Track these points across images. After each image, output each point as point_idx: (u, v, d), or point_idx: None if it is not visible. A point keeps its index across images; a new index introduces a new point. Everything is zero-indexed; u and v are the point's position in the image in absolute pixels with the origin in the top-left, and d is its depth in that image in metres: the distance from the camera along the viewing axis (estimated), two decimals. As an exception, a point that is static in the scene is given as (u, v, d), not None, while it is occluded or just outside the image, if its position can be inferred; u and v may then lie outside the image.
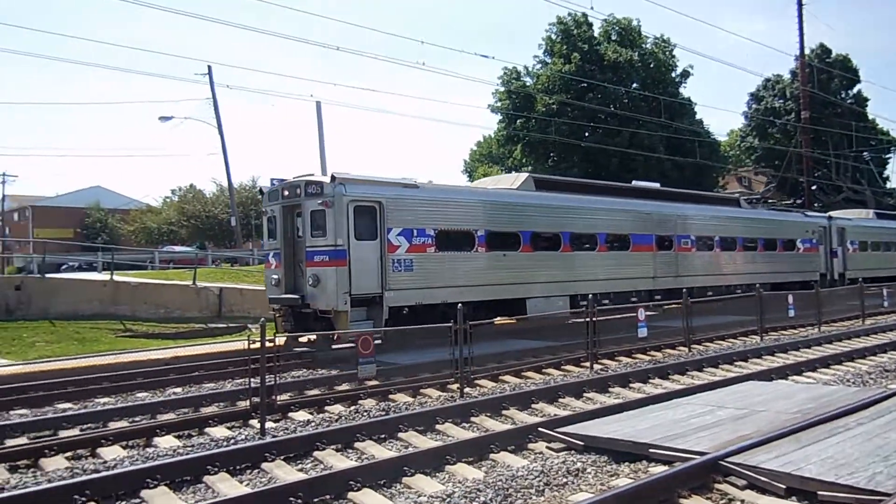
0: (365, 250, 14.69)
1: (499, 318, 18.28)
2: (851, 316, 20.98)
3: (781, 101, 50.05)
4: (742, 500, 5.99)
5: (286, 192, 15.61)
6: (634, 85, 41.07)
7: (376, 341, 11.64)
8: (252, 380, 9.28)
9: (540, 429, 8.23)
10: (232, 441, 8.51)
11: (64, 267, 33.59)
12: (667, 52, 42.60)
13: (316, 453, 7.85)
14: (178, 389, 12.16)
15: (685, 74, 43.24)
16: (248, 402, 9.46)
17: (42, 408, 10.86)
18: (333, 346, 15.21)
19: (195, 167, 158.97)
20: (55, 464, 7.77)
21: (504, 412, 9.73)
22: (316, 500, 6.39)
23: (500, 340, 16.38)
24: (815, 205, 42.64)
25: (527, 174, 20.04)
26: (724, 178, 50.52)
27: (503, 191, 18.65)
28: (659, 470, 6.65)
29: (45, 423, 9.42)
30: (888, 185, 53.55)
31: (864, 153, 48.99)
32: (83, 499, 6.35)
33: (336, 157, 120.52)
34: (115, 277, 23.71)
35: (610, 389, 11.31)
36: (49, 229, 62.87)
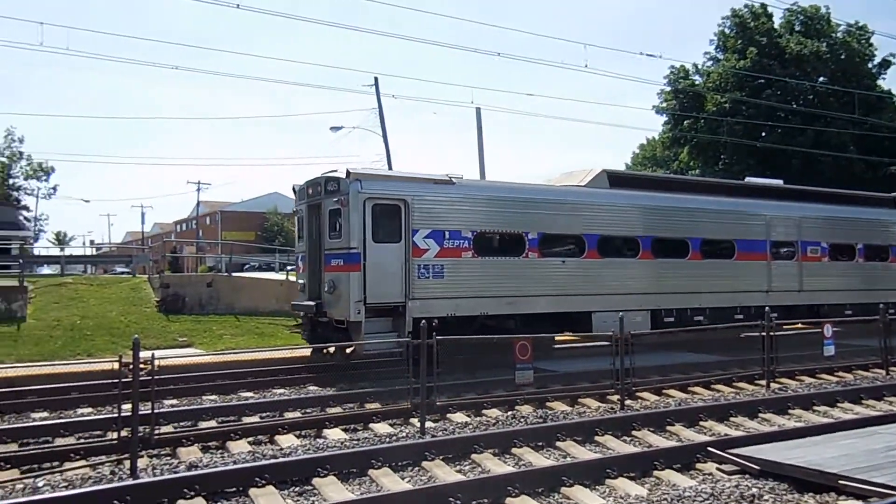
0: (385, 254, 13.21)
1: (563, 335, 15.96)
2: None
3: None
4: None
5: (310, 191, 14.50)
6: (822, 79, 37.45)
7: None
8: (413, 380, 9.55)
9: (710, 448, 7.70)
10: (394, 438, 8.81)
11: (246, 267, 36.77)
12: (862, 41, 38.40)
13: (474, 456, 7.90)
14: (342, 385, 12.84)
15: (885, 64, 38.71)
16: (408, 402, 9.75)
17: (228, 395, 11.95)
18: (352, 361, 13.99)
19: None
20: (239, 447, 8.51)
21: (668, 428, 9.22)
22: (474, 502, 6.42)
23: (663, 353, 15.60)
24: None
25: (601, 169, 16.86)
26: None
27: (563, 188, 16.30)
28: (851, 504, 5.96)
29: (231, 409, 10.33)
30: None
31: None
32: (262, 481, 6.87)
33: (495, 161, 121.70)
34: (290, 277, 25.55)
35: (790, 411, 10.33)
36: (235, 232, 69.40)
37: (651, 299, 16.00)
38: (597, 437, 8.70)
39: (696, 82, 40.24)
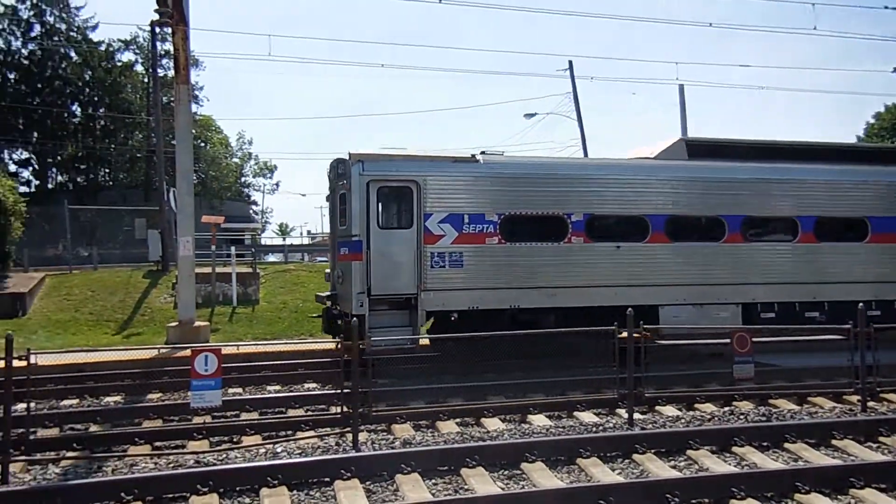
0: (393, 241, 12.28)
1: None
2: None
3: None
4: None
5: (331, 174, 13.66)
6: None
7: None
8: (620, 370, 9.21)
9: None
10: (601, 428, 8.56)
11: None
12: None
13: (689, 452, 7.43)
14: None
15: None
16: (614, 392, 9.43)
17: (429, 377, 12.29)
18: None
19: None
20: (448, 427, 8.79)
21: (926, 436, 7.98)
22: (693, 501, 6.02)
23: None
24: None
25: (679, 137, 14.39)
26: None
27: (618, 161, 14.21)
28: None
29: (437, 391, 10.69)
30: None
31: None
32: (472, 462, 7.01)
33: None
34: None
35: None
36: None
37: (742, 291, 13.64)
38: (834, 441, 7.77)
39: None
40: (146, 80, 42.13)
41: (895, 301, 14.12)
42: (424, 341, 12.68)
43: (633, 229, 13.40)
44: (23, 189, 33.12)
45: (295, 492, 6.48)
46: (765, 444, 7.70)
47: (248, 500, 6.38)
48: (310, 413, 9.47)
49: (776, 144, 15.27)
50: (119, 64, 44.11)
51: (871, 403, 9.45)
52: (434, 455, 7.13)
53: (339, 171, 12.90)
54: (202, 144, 44.79)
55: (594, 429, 8.51)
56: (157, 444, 8.27)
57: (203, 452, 7.75)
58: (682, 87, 28.37)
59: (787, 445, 7.67)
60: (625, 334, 9.00)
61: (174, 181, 19.23)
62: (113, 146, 43.27)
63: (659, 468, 6.99)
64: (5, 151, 42.15)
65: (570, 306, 12.78)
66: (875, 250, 14.35)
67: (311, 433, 8.47)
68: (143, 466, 7.37)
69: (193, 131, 17.96)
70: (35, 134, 41.55)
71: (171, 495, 6.40)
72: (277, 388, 11.69)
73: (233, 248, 23.23)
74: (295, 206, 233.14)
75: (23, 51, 41.25)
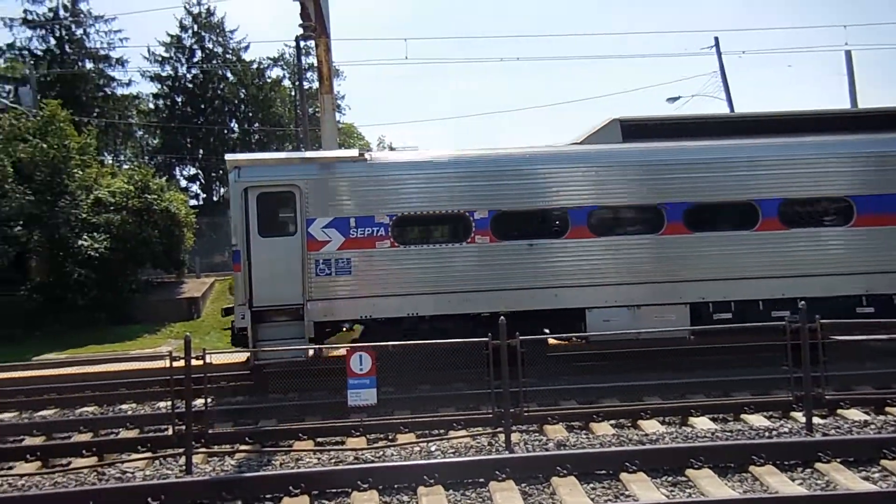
0: (276, 250, 11.59)
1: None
2: None
3: None
4: None
5: None
6: None
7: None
8: (795, 369, 8.41)
9: None
10: (774, 433, 7.87)
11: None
12: None
13: (884, 462, 6.61)
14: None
15: None
16: (789, 394, 8.64)
17: (583, 375, 11.90)
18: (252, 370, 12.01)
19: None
20: (602, 429, 8.48)
21: None
22: (895, 520, 5.33)
23: None
24: None
25: (612, 118, 12.68)
26: None
27: (532, 152, 12.45)
28: None
29: (592, 391, 10.32)
30: None
31: None
32: (632, 467, 6.67)
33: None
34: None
35: None
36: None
37: (688, 289, 11.86)
38: None
39: None
40: (293, 93, 44.82)
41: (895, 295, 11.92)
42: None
43: (549, 225, 12.17)
44: (192, 202, 36.44)
45: (451, 491, 6.49)
46: (979, 454, 6.70)
47: (406, 499, 6.47)
48: (461, 413, 9.46)
49: (730, 118, 13.62)
50: (269, 80, 47.21)
51: None
52: (590, 458, 6.89)
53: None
54: (346, 151, 46.74)
55: (767, 434, 7.84)
56: (319, 440, 8.64)
57: (361, 449, 7.99)
58: (849, 54, 25.80)
59: None
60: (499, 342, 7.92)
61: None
62: (267, 158, 46.38)
63: (848, 480, 6.27)
64: (177, 168, 46.50)
65: (478, 312, 11.66)
66: (863, 235, 12.06)
67: (464, 432, 8.49)
68: (308, 461, 7.72)
69: (338, 139, 18.85)
70: (201, 151, 45.44)
71: (333, 490, 6.63)
72: (428, 387, 11.74)
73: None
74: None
75: (187, 75, 45.34)
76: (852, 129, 12.61)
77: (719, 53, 28.56)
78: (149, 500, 6.40)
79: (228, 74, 46.35)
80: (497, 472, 6.65)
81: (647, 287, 11.87)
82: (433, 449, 7.88)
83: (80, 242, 20.96)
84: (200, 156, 45.58)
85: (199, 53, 45.53)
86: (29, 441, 9.10)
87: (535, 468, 6.79)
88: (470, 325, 11.36)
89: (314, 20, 16.20)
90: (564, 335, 12.14)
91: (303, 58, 31.42)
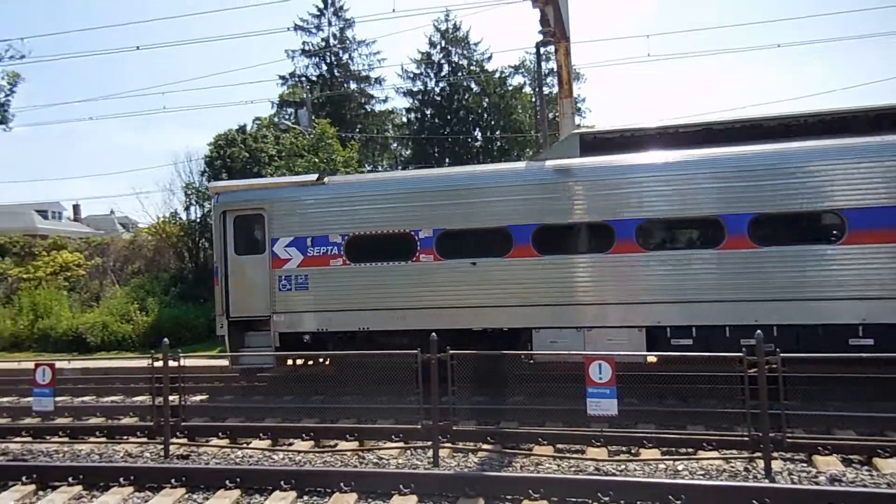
0: (248, 267, 13.03)
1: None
2: None
3: None
4: None
5: None
6: None
7: None
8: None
9: None
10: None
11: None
12: None
13: None
14: None
15: None
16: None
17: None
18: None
19: None
20: (892, 467, 7.27)
21: None
22: None
23: None
24: None
25: (574, 132, 12.67)
26: None
27: (479, 170, 13.01)
28: None
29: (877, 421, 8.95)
30: None
31: None
32: None
33: None
34: None
35: None
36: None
37: (642, 311, 10.97)
38: None
39: None
40: (533, 99, 45.55)
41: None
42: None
43: (493, 244, 11.82)
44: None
45: (702, 517, 6.02)
46: None
47: (652, 519, 6.15)
48: (713, 433, 8.71)
49: (696, 127, 11.80)
50: (510, 88, 48.60)
51: None
52: (878, 500, 5.91)
53: None
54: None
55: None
56: (559, 446, 8.58)
57: (602, 461, 7.78)
58: None
59: None
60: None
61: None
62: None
63: None
64: (425, 177, 50.01)
65: (423, 329, 11.15)
66: (858, 253, 10.13)
67: (715, 454, 7.87)
68: (547, 467, 7.71)
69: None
70: (447, 160, 48.29)
71: (574, 499, 6.53)
72: (673, 401, 11.16)
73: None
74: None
75: (435, 89, 48.48)
76: (837, 133, 10.86)
77: None
78: (400, 486, 6.89)
79: (472, 85, 48.59)
80: (755, 502, 6.03)
81: (594, 308, 11.31)
82: (680, 468, 7.41)
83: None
84: (447, 164, 48.43)
85: (445, 67, 48.41)
86: (306, 422, 10.40)
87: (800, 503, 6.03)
88: (411, 340, 10.97)
89: (553, 25, 16.27)
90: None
91: (543, 63, 31.80)
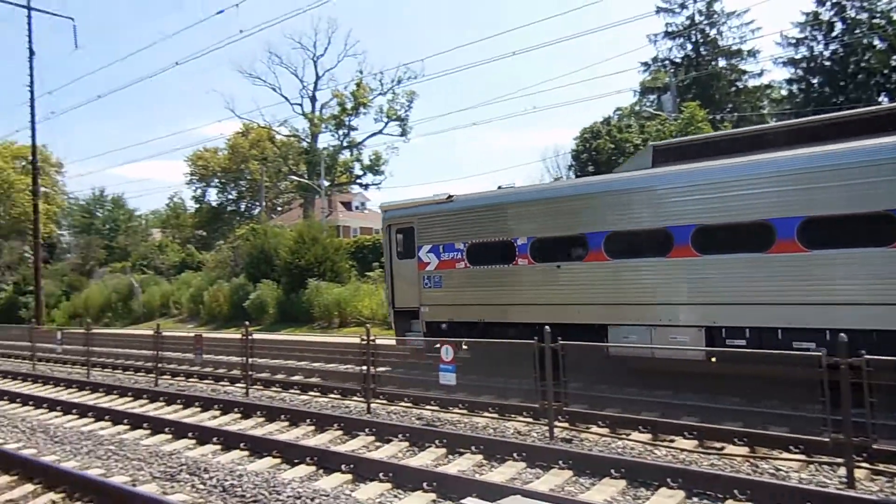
0: (405, 269, 15.83)
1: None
2: None
3: None
4: None
5: None
6: None
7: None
8: None
9: None
10: None
11: None
12: None
13: None
14: None
15: None
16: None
17: None
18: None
19: None
20: None
21: None
22: None
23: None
24: None
25: (651, 145, 13.04)
26: None
27: (562, 184, 17.30)
28: None
29: None
30: None
31: None
32: None
33: None
34: None
35: None
36: None
37: (705, 312, 10.97)
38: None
39: None
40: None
41: None
42: None
43: (574, 249, 13.01)
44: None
45: None
46: None
47: None
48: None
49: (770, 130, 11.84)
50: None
51: None
52: None
53: None
54: None
55: None
56: None
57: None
58: None
59: None
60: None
61: None
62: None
63: None
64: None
65: (519, 322, 13.43)
66: None
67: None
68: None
69: None
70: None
71: None
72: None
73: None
74: None
75: (825, 53, 42.10)
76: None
77: None
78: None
79: (875, 42, 41.13)
80: None
81: (660, 308, 11.68)
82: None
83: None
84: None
85: (838, 26, 41.86)
86: (684, 419, 9.92)
87: None
88: (513, 331, 13.21)
89: None
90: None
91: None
